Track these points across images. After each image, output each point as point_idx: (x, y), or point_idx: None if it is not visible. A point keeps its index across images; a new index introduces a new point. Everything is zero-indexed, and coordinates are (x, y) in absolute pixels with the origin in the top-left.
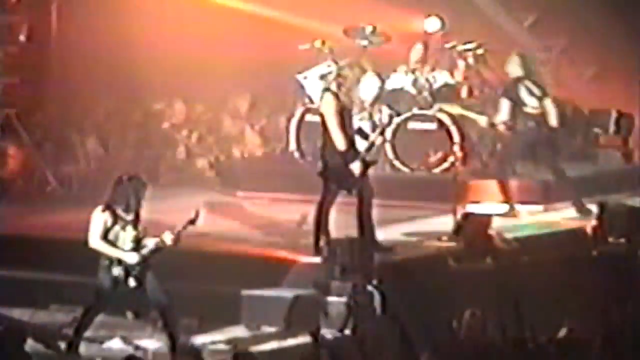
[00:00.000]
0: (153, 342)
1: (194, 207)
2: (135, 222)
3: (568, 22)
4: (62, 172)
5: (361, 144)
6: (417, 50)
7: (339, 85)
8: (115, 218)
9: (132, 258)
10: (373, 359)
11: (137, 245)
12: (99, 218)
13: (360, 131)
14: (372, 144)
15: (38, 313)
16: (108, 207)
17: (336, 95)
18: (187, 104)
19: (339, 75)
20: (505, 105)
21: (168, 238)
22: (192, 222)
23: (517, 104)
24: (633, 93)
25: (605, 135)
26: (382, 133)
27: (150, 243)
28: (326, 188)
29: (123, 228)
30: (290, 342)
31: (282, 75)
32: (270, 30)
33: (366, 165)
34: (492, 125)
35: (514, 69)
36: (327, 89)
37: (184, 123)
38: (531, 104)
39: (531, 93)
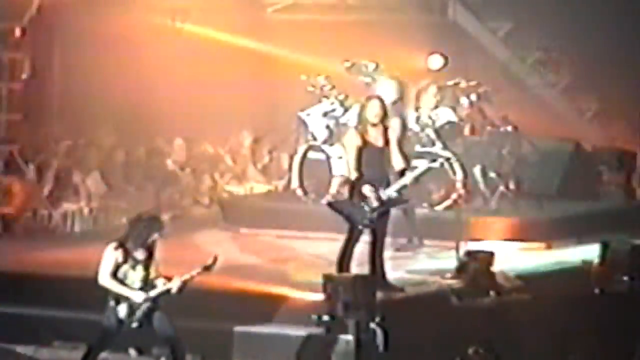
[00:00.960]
0: None
1: (198, 244)
2: (147, 262)
3: (571, 59)
4: (64, 209)
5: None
6: (431, 91)
7: (362, 122)
8: (126, 256)
9: (139, 297)
10: None
11: (146, 285)
12: (111, 255)
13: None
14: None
15: (41, 350)
16: (121, 245)
17: (360, 134)
18: (189, 142)
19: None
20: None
21: (175, 285)
22: (207, 268)
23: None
24: (634, 130)
25: (608, 173)
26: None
27: (159, 284)
28: (351, 228)
29: (133, 267)
30: None
31: (285, 112)
32: (273, 67)
33: (382, 202)
34: None
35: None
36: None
37: (186, 161)
38: None
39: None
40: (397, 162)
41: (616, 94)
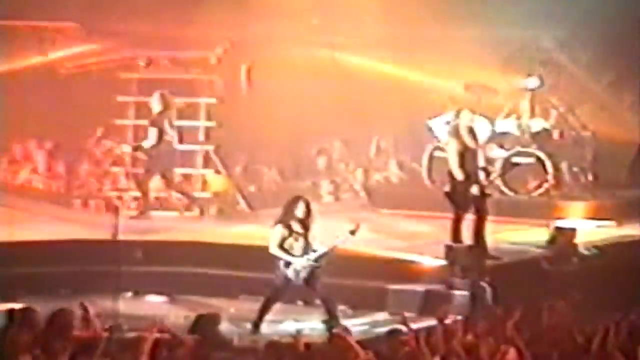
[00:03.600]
0: (318, 324)
1: (352, 222)
2: (306, 235)
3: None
4: (249, 193)
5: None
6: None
7: (464, 131)
8: (290, 231)
9: (301, 262)
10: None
11: (306, 252)
12: (277, 230)
13: (484, 169)
14: (488, 175)
15: (231, 301)
16: (284, 223)
17: (460, 140)
18: (344, 144)
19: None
20: None
21: (329, 248)
22: (352, 232)
23: None
24: None
25: None
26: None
27: (319, 249)
28: (456, 207)
29: (296, 239)
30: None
31: (418, 120)
32: (409, 85)
33: (482, 190)
34: None
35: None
36: (453, 134)
37: (341, 157)
38: None
39: None
40: (480, 161)
41: None
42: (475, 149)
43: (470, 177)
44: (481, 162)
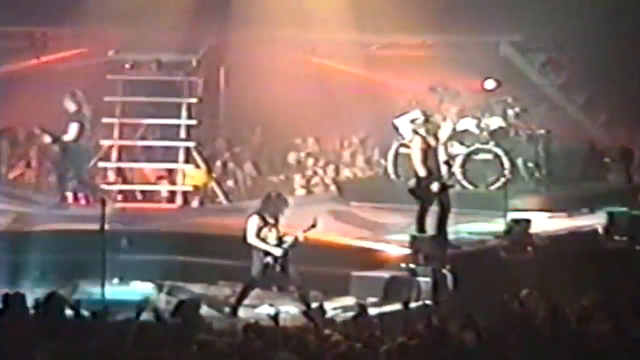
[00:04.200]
0: (291, 308)
1: (319, 215)
2: (277, 226)
3: (588, 82)
4: (227, 187)
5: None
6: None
7: (427, 130)
8: (265, 222)
9: (277, 251)
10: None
11: (280, 241)
12: (254, 221)
13: (446, 162)
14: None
15: (210, 287)
16: (259, 214)
17: (423, 137)
18: (315, 141)
19: (427, 121)
20: None
21: (301, 236)
22: (313, 226)
23: None
24: (633, 134)
25: (613, 164)
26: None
27: (289, 240)
28: (421, 200)
29: (270, 229)
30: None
31: (384, 119)
32: (375, 86)
33: (443, 185)
34: None
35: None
36: (415, 132)
37: (313, 153)
38: None
39: None
40: (441, 157)
41: (623, 108)
42: (437, 147)
43: (433, 173)
44: (443, 157)
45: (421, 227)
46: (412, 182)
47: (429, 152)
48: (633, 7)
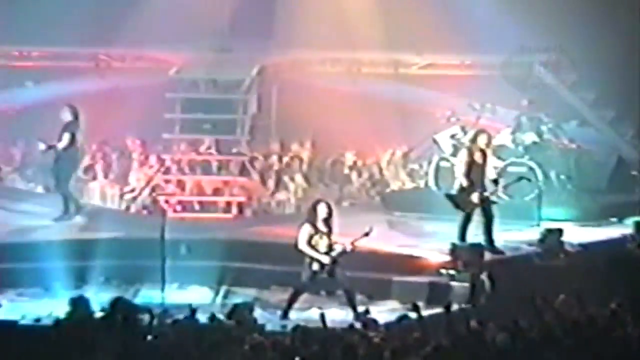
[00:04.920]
0: (339, 312)
1: (368, 224)
2: (329, 234)
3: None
4: (278, 199)
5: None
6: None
7: (473, 144)
8: (316, 230)
9: (326, 259)
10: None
11: (330, 249)
12: (305, 229)
13: (495, 181)
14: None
15: (263, 292)
16: (311, 223)
17: (469, 152)
18: (359, 156)
19: (477, 136)
20: None
21: (348, 247)
22: (366, 234)
23: None
24: None
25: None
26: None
27: (338, 248)
28: (460, 209)
29: (320, 237)
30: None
31: (425, 134)
32: (417, 104)
33: (483, 198)
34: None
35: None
36: (462, 146)
37: (358, 166)
38: None
39: None
40: (491, 174)
41: None
42: (483, 162)
43: (474, 185)
44: (492, 175)
45: (462, 235)
46: (452, 190)
47: (473, 166)
48: None
